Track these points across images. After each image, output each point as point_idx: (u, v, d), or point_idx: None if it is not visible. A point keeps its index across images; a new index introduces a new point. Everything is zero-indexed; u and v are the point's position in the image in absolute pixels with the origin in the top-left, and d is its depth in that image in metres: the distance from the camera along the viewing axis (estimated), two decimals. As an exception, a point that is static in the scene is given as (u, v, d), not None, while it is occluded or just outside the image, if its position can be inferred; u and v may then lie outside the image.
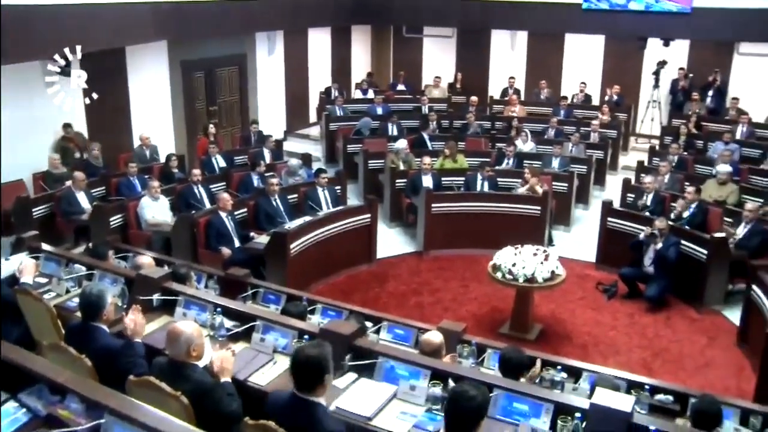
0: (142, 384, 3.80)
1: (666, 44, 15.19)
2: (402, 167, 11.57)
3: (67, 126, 10.96)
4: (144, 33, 11.03)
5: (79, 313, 4.63)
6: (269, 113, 15.83)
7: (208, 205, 9.70)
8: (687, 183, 10.69)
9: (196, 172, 10.20)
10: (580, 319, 8.61)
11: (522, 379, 4.73)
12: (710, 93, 15.65)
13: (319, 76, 17.66)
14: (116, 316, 4.77)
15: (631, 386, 4.90)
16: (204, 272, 6.94)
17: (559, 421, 3.97)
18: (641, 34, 15.39)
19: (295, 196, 10.29)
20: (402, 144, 12.12)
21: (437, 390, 4.24)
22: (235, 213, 9.33)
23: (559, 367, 5.00)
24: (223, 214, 8.97)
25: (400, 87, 17.83)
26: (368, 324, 5.63)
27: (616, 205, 10.40)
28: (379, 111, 15.25)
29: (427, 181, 10.84)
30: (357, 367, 4.54)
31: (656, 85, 15.79)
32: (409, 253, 10.52)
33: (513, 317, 8.16)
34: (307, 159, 12.10)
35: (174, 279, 5.65)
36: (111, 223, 9.21)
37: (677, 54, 16.06)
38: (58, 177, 10.33)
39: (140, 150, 11.74)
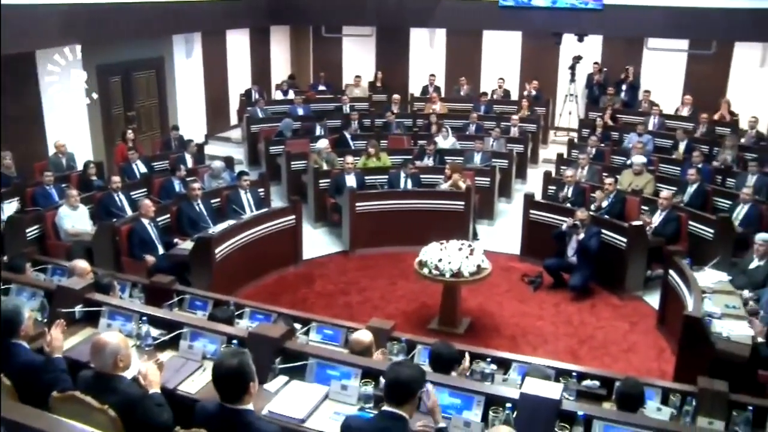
0: (66, 399, 3.68)
1: (580, 40, 15.54)
2: (325, 167, 11.54)
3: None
4: (55, 36, 10.62)
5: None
6: (189, 117, 15.54)
7: (129, 213, 9.45)
8: (605, 174, 10.99)
9: (116, 179, 9.93)
10: (507, 311, 8.73)
11: (453, 374, 4.76)
12: (624, 87, 16.16)
13: (239, 79, 17.43)
14: (36, 331, 4.59)
15: (559, 374, 4.99)
16: (128, 281, 6.75)
17: (490, 413, 4.01)
18: (556, 30, 15.72)
19: (218, 200, 10.14)
20: (324, 144, 12.08)
21: (369, 389, 4.23)
22: (158, 219, 9.14)
23: (488, 360, 5.05)
24: (145, 221, 8.79)
25: (321, 87, 17.76)
26: (297, 326, 5.60)
27: (538, 197, 10.60)
28: (301, 112, 15.17)
29: (351, 181, 10.83)
30: (287, 370, 4.50)
31: (572, 80, 16.18)
32: (336, 253, 10.48)
33: (441, 312, 8.21)
34: (229, 162, 11.91)
35: (96, 289, 5.47)
36: (27, 235, 8.88)
37: (592, 49, 16.50)
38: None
39: (56, 158, 11.33)
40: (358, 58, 18.91)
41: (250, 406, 3.57)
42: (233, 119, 17.12)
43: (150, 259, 8.51)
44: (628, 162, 11.64)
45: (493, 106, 15.82)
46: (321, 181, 11.25)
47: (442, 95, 16.63)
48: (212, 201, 9.96)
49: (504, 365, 5.16)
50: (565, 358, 7.24)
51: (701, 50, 15.90)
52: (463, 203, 10.39)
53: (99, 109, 13.02)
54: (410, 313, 8.61)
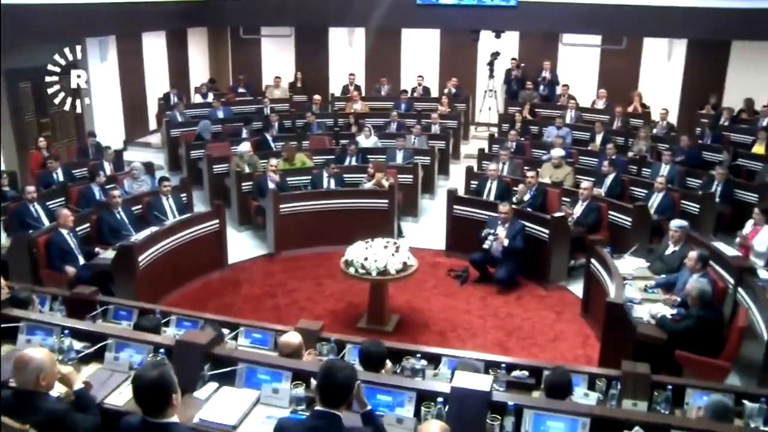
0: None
1: (497, 36, 15.74)
2: (247, 170, 11.38)
3: None
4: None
5: None
6: (106, 123, 15.05)
7: (46, 223, 9.11)
8: (526, 167, 11.19)
9: (31, 189, 9.54)
10: (435, 306, 8.78)
11: (383, 371, 4.75)
12: (542, 81, 16.45)
13: (157, 82, 17.05)
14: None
15: (489, 366, 5.04)
16: (48, 294, 6.53)
17: (422, 408, 4.03)
18: (473, 27, 15.87)
19: (140, 206, 9.88)
20: (246, 147, 11.91)
21: (300, 391, 4.21)
22: (77, 229, 8.83)
23: (418, 355, 5.05)
24: (64, 231, 8.49)
25: (241, 90, 17.55)
26: (225, 331, 5.53)
27: (461, 192, 10.69)
28: (221, 115, 14.96)
29: (273, 183, 10.72)
30: (217, 376, 4.45)
31: (491, 76, 16.43)
32: (261, 256, 10.35)
33: (369, 311, 8.20)
34: (149, 168, 11.62)
35: (14, 304, 5.30)
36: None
37: (509, 45, 16.80)
38: None
39: (-37, 169, 10.90)
40: (278, 59, 18.76)
41: (174, 419, 3.47)
42: (152, 124, 16.76)
43: (70, 270, 8.23)
44: (545, 158, 11.90)
45: (413, 104, 15.90)
46: (244, 184, 11.10)
47: (363, 94, 16.63)
48: (133, 208, 9.69)
49: (434, 360, 5.18)
50: (493, 350, 7.34)
51: (613, 45, 16.35)
52: (386, 201, 10.41)
53: (9, 116, 12.53)
54: (338, 313, 8.58)
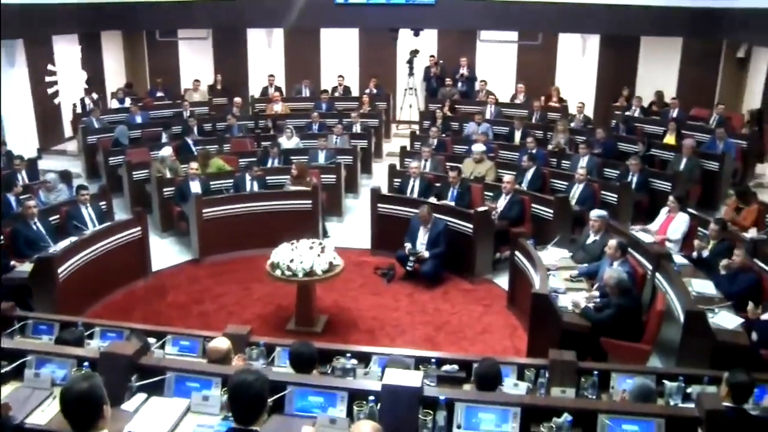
0: None
1: (416, 34, 15.84)
2: (169, 175, 11.17)
3: None
4: None
5: None
6: (17, 130, 14.55)
7: (-46, 237, 8.77)
8: (448, 164, 11.31)
9: (-63, 202, 9.17)
10: (363, 305, 8.78)
11: (315, 372, 4.74)
12: (460, 78, 16.64)
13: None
14: None
15: (419, 362, 5.09)
16: (-41, 312, 6.29)
17: (354, 407, 4.04)
18: (392, 26, 15.93)
19: (57, 216, 9.57)
20: (168, 151, 11.67)
21: (230, 397, 4.14)
22: (-10, 242, 8.52)
23: (348, 355, 5.06)
24: (-26, 246, 8.17)
25: (159, 93, 17.24)
26: (152, 340, 5.41)
27: (384, 191, 10.74)
28: (139, 120, 14.64)
29: (195, 187, 10.56)
30: (145, 387, 4.37)
31: (411, 73, 16.54)
32: (186, 262, 10.17)
33: (298, 312, 8.16)
34: (66, 176, 11.26)
35: None
36: None
37: (428, 43, 16.94)
38: None
39: None
40: (196, 61, 18.47)
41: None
42: (68, 131, 16.28)
43: (-18, 285, 7.93)
44: (469, 151, 12.02)
45: (334, 104, 15.89)
46: (165, 189, 10.89)
47: (284, 95, 16.52)
48: (51, 218, 9.37)
49: (364, 359, 5.20)
50: (423, 346, 7.39)
51: (529, 41, 16.70)
52: (310, 202, 10.38)
53: None
54: (267, 316, 8.50)
